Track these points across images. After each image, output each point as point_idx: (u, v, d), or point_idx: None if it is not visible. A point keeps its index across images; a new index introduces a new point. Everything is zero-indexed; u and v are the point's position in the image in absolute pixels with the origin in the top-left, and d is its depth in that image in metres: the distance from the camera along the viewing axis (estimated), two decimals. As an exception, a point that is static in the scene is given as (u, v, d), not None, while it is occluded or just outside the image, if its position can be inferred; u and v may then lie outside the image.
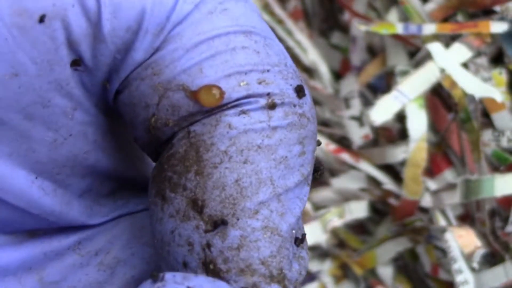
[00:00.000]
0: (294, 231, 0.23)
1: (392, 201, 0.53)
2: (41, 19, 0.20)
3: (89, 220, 0.25)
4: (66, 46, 0.21)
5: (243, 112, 0.22)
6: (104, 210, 0.25)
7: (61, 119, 0.22)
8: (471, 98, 0.49)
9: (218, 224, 0.21)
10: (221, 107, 0.22)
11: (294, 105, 0.23)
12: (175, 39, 0.22)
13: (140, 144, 0.24)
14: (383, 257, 0.54)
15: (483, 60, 0.51)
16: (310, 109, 0.23)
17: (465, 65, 0.50)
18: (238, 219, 0.21)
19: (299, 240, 0.23)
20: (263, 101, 0.22)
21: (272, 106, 0.22)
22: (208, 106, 0.22)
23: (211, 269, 0.21)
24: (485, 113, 0.50)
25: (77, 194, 0.24)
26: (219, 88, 0.22)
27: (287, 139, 0.22)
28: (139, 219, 0.26)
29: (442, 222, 0.50)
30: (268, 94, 0.22)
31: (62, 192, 0.24)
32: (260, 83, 0.22)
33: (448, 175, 0.51)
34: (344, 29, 0.59)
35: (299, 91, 0.23)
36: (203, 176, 0.21)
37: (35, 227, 0.24)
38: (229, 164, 0.21)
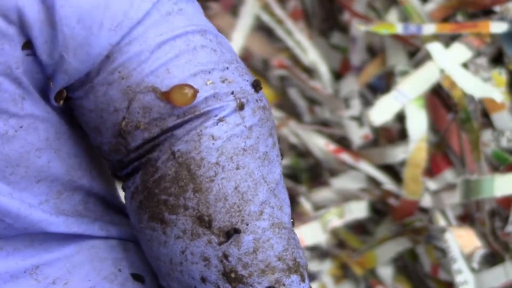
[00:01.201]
0: (291, 220, 0.24)
1: (392, 201, 0.53)
2: None
3: (49, 227, 0.24)
4: (18, 27, 0.21)
5: (221, 120, 0.22)
6: (66, 222, 0.24)
7: (11, 107, 0.22)
8: (471, 98, 0.49)
9: (231, 233, 0.22)
10: (192, 112, 0.22)
11: (256, 100, 0.23)
12: (139, 41, 0.22)
13: (105, 150, 0.23)
14: (383, 257, 0.54)
15: (483, 60, 0.50)
16: (266, 100, 0.24)
17: (465, 65, 0.50)
18: (247, 224, 0.22)
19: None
20: (233, 104, 0.22)
21: (241, 107, 0.23)
22: (180, 105, 0.22)
23: (232, 278, 0.22)
24: (485, 113, 0.50)
25: (36, 203, 0.24)
26: (191, 87, 0.22)
27: (262, 135, 0.23)
28: (101, 250, 0.25)
29: (442, 222, 0.50)
30: (232, 92, 0.23)
31: (19, 197, 0.23)
32: (223, 81, 0.23)
33: (448, 175, 0.51)
34: (344, 29, 0.59)
35: (256, 86, 0.24)
36: (203, 192, 0.22)
37: None
38: (224, 174, 0.22)
